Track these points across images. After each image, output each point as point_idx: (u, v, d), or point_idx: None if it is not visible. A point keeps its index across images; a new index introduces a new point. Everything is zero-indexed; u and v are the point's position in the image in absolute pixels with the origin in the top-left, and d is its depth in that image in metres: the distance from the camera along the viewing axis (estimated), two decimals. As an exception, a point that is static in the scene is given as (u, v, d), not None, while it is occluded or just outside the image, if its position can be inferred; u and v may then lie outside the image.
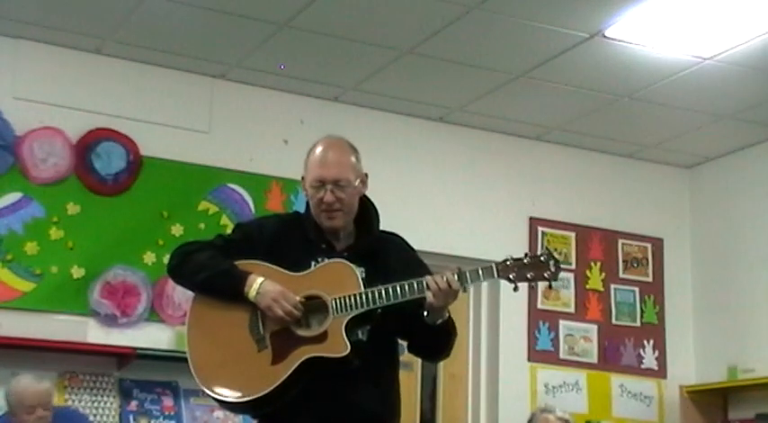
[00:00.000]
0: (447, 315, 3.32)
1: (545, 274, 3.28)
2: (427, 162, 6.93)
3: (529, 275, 3.28)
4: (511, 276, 3.27)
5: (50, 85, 6.11)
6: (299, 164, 6.39)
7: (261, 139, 6.56)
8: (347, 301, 3.20)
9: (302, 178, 3.44)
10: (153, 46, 6.12)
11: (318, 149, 3.39)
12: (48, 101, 6.08)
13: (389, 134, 6.87)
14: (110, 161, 6.14)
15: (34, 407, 5.18)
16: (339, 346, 3.17)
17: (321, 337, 3.19)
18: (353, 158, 3.40)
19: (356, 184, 3.37)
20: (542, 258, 3.30)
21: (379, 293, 3.21)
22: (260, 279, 3.23)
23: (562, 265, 3.44)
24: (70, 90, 6.15)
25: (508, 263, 3.28)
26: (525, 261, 3.29)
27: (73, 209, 6.03)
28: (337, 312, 3.20)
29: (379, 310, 3.24)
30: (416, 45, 5.98)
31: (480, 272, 3.26)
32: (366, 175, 3.44)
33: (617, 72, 6.22)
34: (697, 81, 6.27)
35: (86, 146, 6.12)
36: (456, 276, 3.22)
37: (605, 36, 5.77)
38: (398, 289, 3.21)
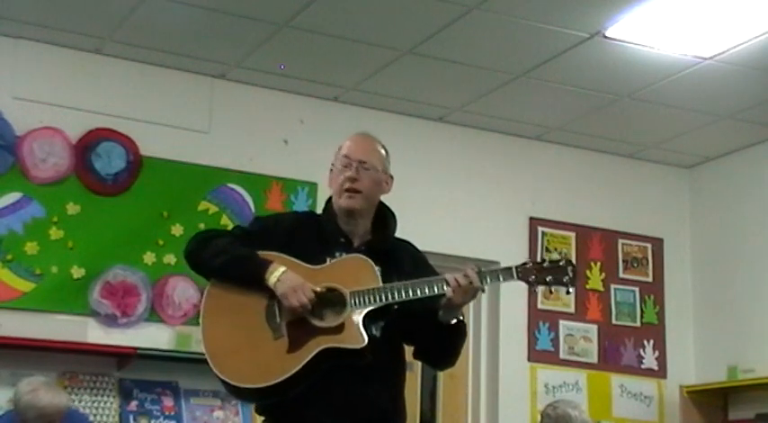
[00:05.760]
0: (461, 315, 3.32)
1: (563, 279, 3.30)
2: (427, 162, 6.91)
3: (548, 279, 3.29)
4: (530, 279, 3.28)
5: (50, 85, 6.11)
6: (299, 164, 6.51)
7: (261, 139, 6.56)
8: (365, 294, 3.21)
9: (330, 170, 3.46)
10: (153, 46, 6.12)
11: (352, 136, 3.50)
12: (48, 101, 6.08)
13: (389, 134, 6.73)
14: (110, 161, 6.14)
15: (54, 421, 5.15)
16: (356, 338, 3.17)
17: (338, 329, 3.19)
18: (383, 152, 3.49)
19: (380, 171, 3.42)
20: (561, 263, 3.31)
21: (398, 289, 3.21)
22: (282, 267, 3.23)
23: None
24: (70, 90, 6.14)
25: (528, 265, 3.29)
26: (545, 265, 3.30)
27: (73, 209, 6.03)
28: (355, 305, 3.20)
29: (396, 307, 3.24)
30: (416, 45, 5.98)
31: (500, 273, 3.28)
32: (391, 177, 3.49)
33: (617, 72, 6.22)
34: (697, 81, 6.27)
35: (86, 146, 6.12)
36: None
37: (605, 36, 5.77)
38: (417, 286, 3.22)
